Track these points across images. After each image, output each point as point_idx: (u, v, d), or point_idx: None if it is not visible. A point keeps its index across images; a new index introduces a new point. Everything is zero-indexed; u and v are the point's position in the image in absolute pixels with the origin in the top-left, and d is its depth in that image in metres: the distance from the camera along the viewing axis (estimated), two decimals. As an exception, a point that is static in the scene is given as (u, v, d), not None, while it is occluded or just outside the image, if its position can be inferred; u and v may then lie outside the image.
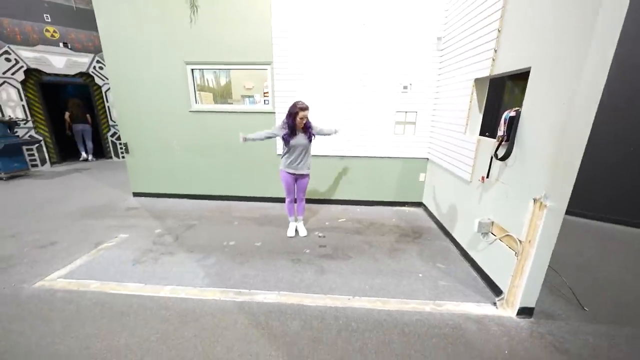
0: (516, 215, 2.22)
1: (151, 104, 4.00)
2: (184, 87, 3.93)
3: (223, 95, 3.98)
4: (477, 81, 2.84)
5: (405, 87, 3.70)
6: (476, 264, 2.71)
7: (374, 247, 3.09)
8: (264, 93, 3.94)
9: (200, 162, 4.17)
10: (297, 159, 2.80)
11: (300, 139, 2.76)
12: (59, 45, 5.85)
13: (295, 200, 3.06)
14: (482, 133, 2.93)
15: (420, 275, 2.68)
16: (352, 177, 4.02)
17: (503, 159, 2.30)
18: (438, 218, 3.57)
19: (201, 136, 4.09)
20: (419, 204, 4.09)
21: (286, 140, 2.77)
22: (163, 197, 4.38)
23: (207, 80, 3.96)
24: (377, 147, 3.91)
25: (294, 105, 2.74)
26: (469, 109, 2.93)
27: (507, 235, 2.29)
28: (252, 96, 3.90)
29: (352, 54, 3.65)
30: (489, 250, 2.55)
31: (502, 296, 2.30)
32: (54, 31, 5.80)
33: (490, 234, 2.53)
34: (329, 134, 3.00)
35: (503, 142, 2.30)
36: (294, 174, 2.89)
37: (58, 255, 2.87)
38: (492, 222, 2.52)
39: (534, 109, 2.09)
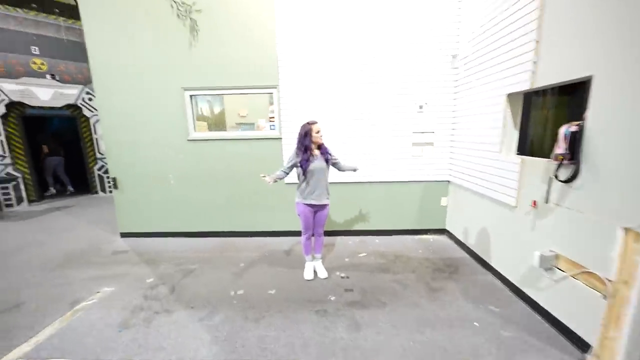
0: (594, 248, 1.79)
1: (144, 134, 3.53)
2: (180, 115, 3.49)
3: (217, 124, 3.58)
4: (511, 96, 2.52)
5: (420, 107, 3.39)
6: (537, 304, 2.23)
7: (409, 288, 2.58)
8: (270, 118, 3.55)
9: (198, 195, 3.67)
10: (316, 186, 2.44)
11: (318, 162, 2.41)
12: (45, 77, 5.41)
13: (310, 236, 2.64)
14: (519, 151, 2.58)
15: (477, 324, 2.16)
16: (369, 205, 3.61)
17: (569, 181, 1.90)
18: (471, 247, 3.15)
19: (200, 167, 3.62)
20: (443, 231, 3.70)
21: (304, 166, 2.41)
22: (155, 236, 3.78)
23: (201, 110, 3.56)
24: (395, 171, 3.54)
25: (304, 126, 2.43)
26: (503, 126, 2.58)
27: (586, 272, 1.84)
28: (252, 123, 3.53)
29: (364, 74, 3.37)
30: (555, 289, 2.08)
31: (590, 350, 1.80)
32: (42, 63, 5.40)
33: (555, 268, 2.08)
34: (346, 170, 2.64)
35: (564, 162, 1.91)
36: (313, 206, 2.50)
37: (22, 322, 2.22)
38: (557, 255, 2.08)
39: (604, 122, 1.73)
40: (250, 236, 3.74)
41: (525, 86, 2.33)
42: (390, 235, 3.67)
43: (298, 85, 3.39)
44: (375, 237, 3.66)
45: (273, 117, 3.53)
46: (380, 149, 3.49)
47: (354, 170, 2.64)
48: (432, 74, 3.33)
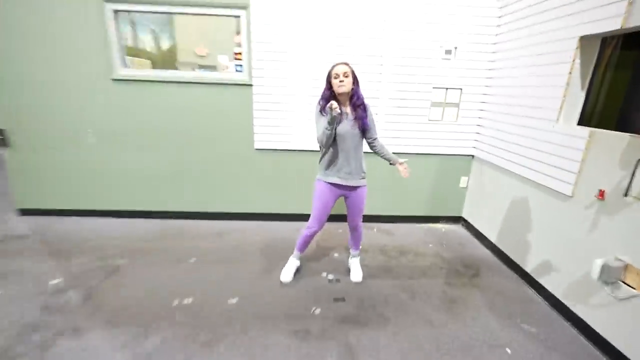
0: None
1: (49, 68, 2.79)
2: (100, 41, 2.76)
3: (164, 63, 2.99)
4: (584, 41, 2.09)
5: (448, 52, 2.93)
6: (588, 327, 1.98)
7: (418, 297, 2.28)
8: (235, 55, 2.92)
9: (130, 160, 3.07)
10: (347, 160, 2.05)
11: (346, 125, 2.00)
12: None
13: (315, 234, 2.27)
14: (580, 122, 2.26)
15: (508, 350, 1.88)
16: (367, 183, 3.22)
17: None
18: (496, 244, 2.91)
19: (134, 121, 2.99)
20: (457, 219, 3.51)
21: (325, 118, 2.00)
22: (69, 214, 3.18)
23: (143, 42, 2.90)
24: (404, 140, 3.12)
25: (330, 68, 1.98)
26: (566, 85, 2.17)
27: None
28: (214, 66, 3.02)
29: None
30: (617, 310, 1.83)
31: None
32: None
33: (620, 283, 1.80)
34: (382, 157, 2.18)
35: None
36: (340, 187, 2.11)
37: None
38: (627, 266, 1.78)
39: None
40: (207, 219, 3.28)
41: (611, 25, 1.88)
42: (393, 222, 3.44)
43: (279, 5, 2.75)
44: (374, 224, 3.36)
45: (240, 54, 2.92)
46: (387, 106, 3.06)
47: (392, 163, 2.16)
48: (467, 7, 2.83)
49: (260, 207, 3.30)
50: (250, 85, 2.96)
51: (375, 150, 2.17)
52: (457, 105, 3.12)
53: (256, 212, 3.30)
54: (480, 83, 3.06)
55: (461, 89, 3.07)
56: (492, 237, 2.96)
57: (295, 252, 2.40)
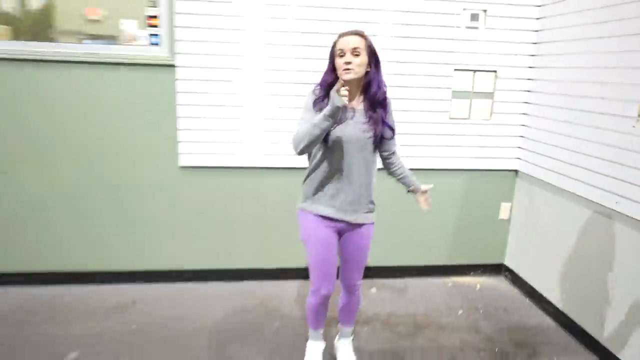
0: None
1: None
2: None
3: (35, 31, 2.85)
4: None
5: (474, 18, 3.00)
6: None
7: None
8: (148, 20, 2.86)
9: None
10: (348, 181, 2.00)
11: (353, 128, 1.95)
12: None
13: (329, 296, 2.18)
14: None
15: None
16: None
17: None
18: (558, 305, 2.89)
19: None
20: (498, 268, 3.51)
21: None
22: None
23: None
24: (414, 148, 3.12)
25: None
26: None
27: None
28: (114, 37, 2.87)
29: None
30: None
31: None
32: None
33: None
34: (401, 179, 2.22)
35: None
36: (335, 222, 2.04)
37: None
38: None
39: None
40: (101, 282, 3.12)
41: None
42: (401, 276, 3.42)
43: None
44: (371, 280, 3.29)
45: (155, 18, 2.82)
46: (400, 102, 2.97)
47: (411, 189, 2.22)
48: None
49: (192, 262, 3.17)
50: (172, 65, 2.84)
51: (390, 170, 2.17)
52: (490, 95, 3.14)
53: (185, 270, 3.18)
54: (523, 63, 3.09)
55: (495, 72, 3.10)
56: (553, 297, 2.92)
57: (312, 332, 2.31)
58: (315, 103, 1.92)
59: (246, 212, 3.11)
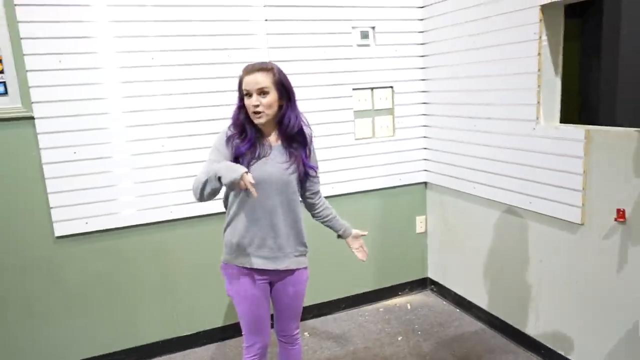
0: None
1: None
2: None
3: None
4: (547, 11, 2.32)
5: (364, 36, 3.04)
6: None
7: None
8: None
9: None
10: (271, 225, 1.88)
11: (272, 165, 1.84)
12: None
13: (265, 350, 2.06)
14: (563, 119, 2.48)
15: None
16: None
17: None
18: (487, 309, 2.97)
19: None
20: (423, 282, 3.56)
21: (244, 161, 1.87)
22: None
23: None
24: (325, 176, 2.96)
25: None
26: (537, 72, 2.36)
27: None
28: None
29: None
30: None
31: None
32: None
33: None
34: (327, 222, 2.15)
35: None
36: (267, 273, 1.94)
37: None
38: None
39: None
40: None
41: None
42: (331, 312, 3.28)
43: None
44: (301, 323, 2.94)
45: None
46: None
47: (341, 234, 2.17)
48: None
49: (85, 349, 2.67)
50: (31, 117, 2.39)
51: (315, 212, 2.09)
52: (391, 111, 3.18)
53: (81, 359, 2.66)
54: (415, 76, 3.19)
55: (392, 87, 3.15)
56: (482, 302, 2.99)
57: None
58: (229, 139, 1.80)
59: (149, 277, 2.73)
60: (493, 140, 2.66)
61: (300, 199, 1.97)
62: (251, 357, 1.95)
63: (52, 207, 2.46)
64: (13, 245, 2.44)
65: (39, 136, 2.40)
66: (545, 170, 2.37)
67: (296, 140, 1.86)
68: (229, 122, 1.85)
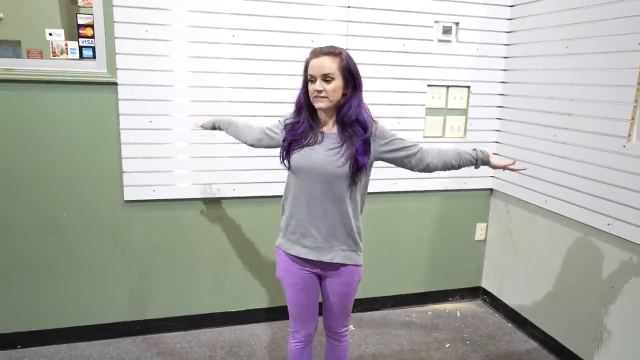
0: None
1: None
2: None
3: None
4: None
5: (446, 31, 2.96)
6: None
7: None
8: (80, 29, 2.51)
9: None
10: (313, 216, 1.85)
11: (321, 153, 1.80)
12: None
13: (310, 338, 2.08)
14: None
15: None
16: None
17: None
18: (542, 327, 2.89)
19: None
20: (475, 291, 3.51)
21: (286, 152, 1.88)
22: None
23: None
24: (386, 171, 2.95)
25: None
26: (638, 85, 2.25)
27: None
28: (16, 42, 2.55)
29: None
30: None
31: None
32: None
33: None
34: (440, 167, 1.93)
35: None
36: (310, 263, 1.90)
37: None
38: None
39: None
40: (40, 343, 2.68)
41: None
42: (379, 309, 3.29)
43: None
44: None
45: (89, 28, 2.49)
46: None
47: (455, 165, 1.95)
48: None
49: (142, 311, 2.83)
50: (114, 83, 2.51)
51: (433, 168, 1.90)
52: (464, 112, 3.12)
53: (134, 321, 2.82)
54: (496, 78, 3.11)
55: (469, 87, 3.08)
56: (538, 320, 2.91)
57: None
58: (285, 124, 1.88)
59: (205, 249, 2.83)
60: (575, 154, 2.56)
61: (352, 192, 1.84)
62: (295, 343, 1.98)
63: (124, 172, 2.58)
64: (85, 205, 2.59)
65: (119, 102, 2.51)
66: (631, 192, 2.26)
67: (353, 129, 1.77)
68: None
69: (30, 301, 2.61)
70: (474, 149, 1.92)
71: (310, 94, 1.74)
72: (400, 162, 1.88)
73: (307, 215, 1.83)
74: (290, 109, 1.87)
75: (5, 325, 2.59)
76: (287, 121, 1.87)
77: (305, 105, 1.79)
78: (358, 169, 1.76)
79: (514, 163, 1.96)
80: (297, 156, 1.78)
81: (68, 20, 2.54)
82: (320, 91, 1.68)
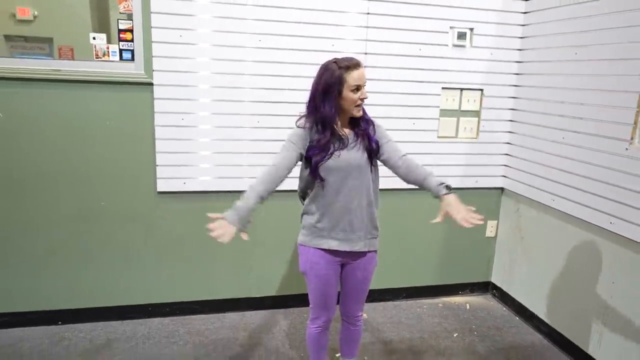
0: None
1: None
2: None
3: None
4: None
5: (461, 36, 3.07)
6: None
7: None
8: (121, 34, 2.71)
9: None
10: (347, 209, 1.99)
11: (351, 153, 1.97)
12: None
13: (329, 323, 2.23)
14: None
15: None
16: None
17: None
18: (547, 320, 2.99)
19: None
20: (485, 286, 3.61)
21: (319, 161, 1.93)
22: None
23: None
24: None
25: (327, 66, 1.89)
26: None
27: None
28: (48, 39, 2.72)
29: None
30: None
31: None
32: None
33: None
34: (414, 180, 2.06)
35: None
36: (338, 253, 2.05)
37: None
38: None
39: None
40: (77, 321, 2.93)
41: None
42: (391, 300, 3.44)
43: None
44: None
45: (129, 33, 2.68)
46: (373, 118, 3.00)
47: (436, 194, 2.02)
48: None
49: (170, 294, 3.04)
50: (150, 84, 2.71)
51: (400, 169, 2.03)
52: (477, 114, 3.23)
53: (162, 303, 3.04)
54: (508, 81, 3.21)
55: (482, 90, 3.19)
56: (544, 314, 3.01)
57: None
58: (297, 139, 1.92)
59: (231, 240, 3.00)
60: (580, 155, 2.65)
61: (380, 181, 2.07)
62: (316, 327, 2.14)
63: (157, 165, 2.79)
64: (120, 195, 2.81)
65: (155, 101, 2.71)
66: (632, 193, 2.35)
67: (361, 124, 1.97)
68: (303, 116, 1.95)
69: (71, 282, 2.84)
70: (442, 183, 1.97)
71: (352, 102, 1.86)
72: (388, 157, 2.02)
73: (340, 211, 1.96)
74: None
75: (48, 303, 2.84)
76: (305, 141, 1.93)
77: (324, 123, 1.88)
78: (372, 150, 1.97)
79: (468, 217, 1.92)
80: (330, 162, 1.90)
81: (98, 19, 2.75)
82: (364, 98, 1.87)
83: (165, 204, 2.88)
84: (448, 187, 1.96)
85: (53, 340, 2.71)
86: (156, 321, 2.97)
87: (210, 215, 1.78)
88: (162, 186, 2.83)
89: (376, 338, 2.91)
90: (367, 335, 2.92)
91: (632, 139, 2.37)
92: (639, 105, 2.34)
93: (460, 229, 3.28)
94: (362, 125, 1.97)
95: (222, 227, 1.76)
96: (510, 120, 3.27)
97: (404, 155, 2.03)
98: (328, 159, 1.90)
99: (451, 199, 1.94)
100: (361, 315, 2.24)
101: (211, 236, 1.74)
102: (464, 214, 1.90)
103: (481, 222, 1.91)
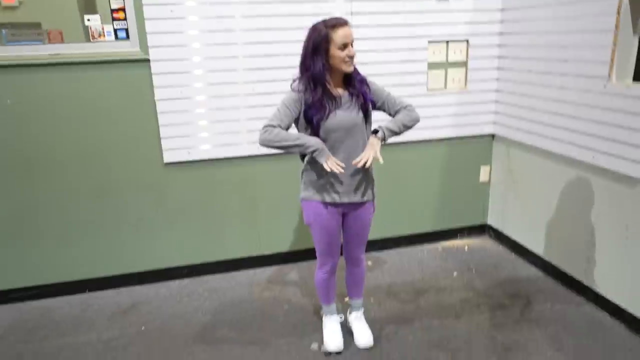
0: None
1: None
2: None
3: None
4: None
5: None
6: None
7: (462, 354, 2.37)
8: (114, 13, 2.78)
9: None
10: (347, 164, 2.09)
11: (346, 112, 2.07)
12: None
13: (335, 267, 2.41)
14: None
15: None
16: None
17: None
18: (542, 255, 3.15)
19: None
20: (482, 229, 3.75)
21: (316, 120, 2.03)
22: None
23: None
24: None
25: (315, 27, 1.96)
26: (615, 30, 2.40)
27: None
28: (37, 24, 2.77)
29: None
30: None
31: None
32: None
33: None
34: (406, 127, 2.22)
35: None
36: (339, 205, 2.18)
37: None
38: None
39: None
40: (101, 288, 3.12)
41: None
42: (393, 247, 3.58)
43: None
44: (366, 254, 3.33)
45: (120, 11, 2.77)
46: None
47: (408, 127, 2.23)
48: None
49: (187, 257, 3.24)
50: (147, 60, 2.80)
51: (397, 117, 2.20)
52: (464, 64, 3.30)
53: (180, 266, 3.24)
54: (493, 30, 3.26)
55: (467, 41, 3.25)
56: (537, 249, 3.18)
57: (325, 308, 2.48)
58: (292, 102, 2.00)
59: (237, 202, 3.18)
60: (565, 96, 2.74)
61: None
62: (324, 273, 2.34)
63: (162, 138, 2.92)
64: (130, 169, 2.95)
65: (153, 76, 2.81)
66: (611, 127, 2.46)
67: (355, 84, 2.06)
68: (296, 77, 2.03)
69: (92, 253, 3.02)
70: (379, 127, 2.10)
71: (340, 60, 1.92)
72: (385, 111, 2.19)
73: (341, 162, 2.02)
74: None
75: (74, 274, 3.04)
76: (301, 104, 2.01)
77: (315, 83, 1.96)
78: (367, 108, 2.09)
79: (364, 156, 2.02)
80: (328, 122, 2.00)
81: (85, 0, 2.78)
82: (352, 57, 1.95)
83: (173, 173, 3.01)
84: (375, 131, 2.10)
85: (82, 306, 2.91)
86: (175, 283, 3.16)
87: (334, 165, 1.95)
88: (168, 157, 2.97)
89: (380, 283, 3.08)
90: (371, 279, 3.09)
91: (609, 76, 2.46)
92: (614, 42, 2.43)
93: (455, 177, 3.51)
94: (356, 85, 2.06)
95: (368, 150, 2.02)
96: (498, 68, 3.34)
97: (400, 109, 2.16)
98: (327, 117, 1.99)
99: (371, 139, 2.09)
100: (363, 256, 2.42)
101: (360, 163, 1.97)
102: (365, 154, 2.03)
103: (379, 161, 2.05)
